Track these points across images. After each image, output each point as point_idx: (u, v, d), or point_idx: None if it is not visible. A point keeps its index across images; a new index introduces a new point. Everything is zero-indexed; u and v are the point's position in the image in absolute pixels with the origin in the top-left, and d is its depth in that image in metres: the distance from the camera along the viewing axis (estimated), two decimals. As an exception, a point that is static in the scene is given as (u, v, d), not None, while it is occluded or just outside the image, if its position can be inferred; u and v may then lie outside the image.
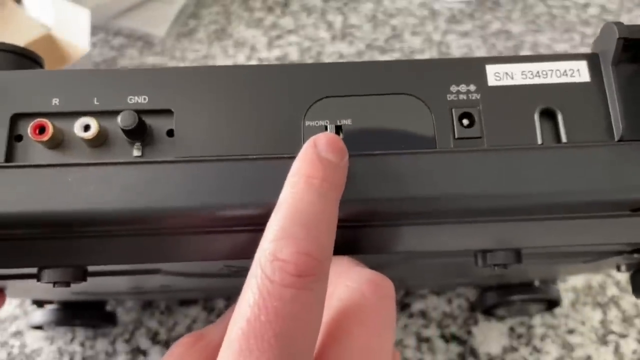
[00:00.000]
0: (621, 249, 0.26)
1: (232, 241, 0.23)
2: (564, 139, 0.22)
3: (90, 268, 0.23)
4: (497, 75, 0.23)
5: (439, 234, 0.23)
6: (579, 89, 0.23)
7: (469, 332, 0.40)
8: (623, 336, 0.39)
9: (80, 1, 0.50)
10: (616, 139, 0.22)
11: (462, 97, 0.23)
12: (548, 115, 0.23)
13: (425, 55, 0.53)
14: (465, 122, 0.22)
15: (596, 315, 0.40)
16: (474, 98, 0.23)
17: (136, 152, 0.22)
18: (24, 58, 0.25)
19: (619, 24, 0.21)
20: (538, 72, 0.23)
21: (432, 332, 0.40)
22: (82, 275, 0.23)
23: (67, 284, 0.23)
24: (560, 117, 0.22)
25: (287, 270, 0.18)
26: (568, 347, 0.39)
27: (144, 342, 0.40)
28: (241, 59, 0.53)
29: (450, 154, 0.22)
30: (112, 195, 0.21)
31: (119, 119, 0.21)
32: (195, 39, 0.55)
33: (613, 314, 0.40)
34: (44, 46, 0.50)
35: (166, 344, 0.39)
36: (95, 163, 0.21)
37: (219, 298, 0.41)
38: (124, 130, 0.21)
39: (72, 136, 0.22)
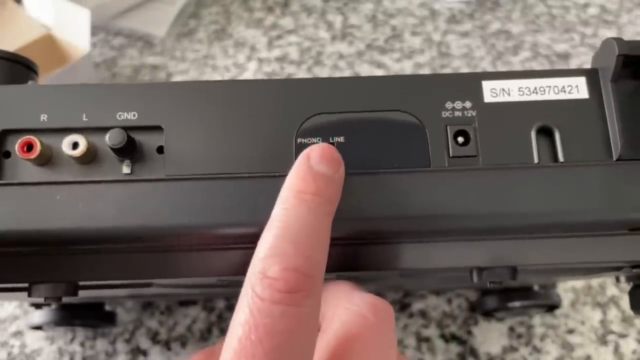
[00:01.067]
0: (620, 266, 0.25)
1: (224, 259, 0.23)
2: (561, 157, 0.22)
3: (82, 282, 0.23)
4: (493, 91, 0.23)
5: (434, 252, 0.23)
6: (577, 106, 0.22)
7: (469, 332, 0.40)
8: (623, 336, 0.39)
9: (80, 1, 0.50)
10: (614, 158, 0.21)
11: (457, 114, 0.22)
12: (545, 132, 0.22)
13: (425, 56, 0.53)
14: (461, 139, 0.22)
15: (596, 315, 0.40)
16: (469, 115, 0.22)
17: (126, 169, 0.22)
18: (16, 64, 0.25)
19: (619, 40, 0.21)
20: (535, 88, 0.23)
21: (432, 332, 0.40)
22: (74, 290, 0.23)
23: (59, 299, 0.23)
24: (557, 135, 0.22)
25: (276, 287, 0.17)
26: (568, 347, 0.39)
27: (144, 342, 0.40)
28: (241, 59, 0.53)
29: (444, 173, 0.21)
30: (100, 213, 0.21)
31: (107, 137, 0.21)
32: (196, 39, 0.55)
33: (613, 313, 0.40)
34: (44, 46, 0.50)
35: (166, 344, 0.39)
36: (84, 181, 0.21)
37: (219, 298, 0.41)
38: (112, 149, 0.21)
39: (60, 153, 0.22)
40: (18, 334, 0.40)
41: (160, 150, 0.22)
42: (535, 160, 0.22)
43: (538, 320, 0.40)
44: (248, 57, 0.53)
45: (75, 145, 0.21)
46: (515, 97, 0.22)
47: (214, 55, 0.53)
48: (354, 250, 0.23)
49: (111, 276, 0.23)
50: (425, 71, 0.52)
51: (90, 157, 0.22)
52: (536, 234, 0.23)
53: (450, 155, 0.22)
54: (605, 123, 0.22)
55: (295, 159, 0.21)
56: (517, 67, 0.52)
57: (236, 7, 0.58)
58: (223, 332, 0.40)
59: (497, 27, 0.55)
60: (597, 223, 0.21)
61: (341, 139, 0.22)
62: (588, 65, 0.48)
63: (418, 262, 0.23)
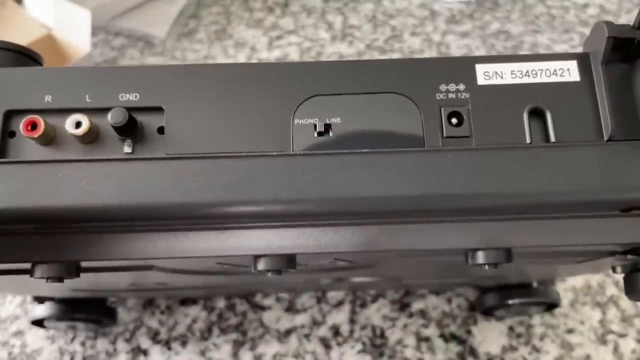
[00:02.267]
0: (613, 250, 0.26)
1: (223, 238, 0.23)
2: (552, 138, 0.22)
3: (84, 264, 0.24)
4: (486, 74, 0.23)
5: (429, 233, 0.23)
6: (569, 89, 0.23)
7: (469, 332, 0.40)
8: (622, 336, 0.39)
9: (80, 2, 0.50)
10: (605, 138, 0.22)
11: (451, 96, 0.23)
12: (537, 114, 0.23)
13: (425, 56, 0.53)
14: (454, 121, 0.23)
15: (595, 315, 0.40)
16: (463, 97, 0.23)
17: (127, 149, 0.22)
18: (24, 56, 0.26)
19: (609, 24, 0.21)
20: (528, 71, 0.23)
21: (431, 331, 0.40)
22: (76, 270, 0.23)
23: (61, 280, 0.23)
24: (549, 117, 0.22)
25: None
26: (567, 347, 0.39)
27: (144, 342, 0.40)
28: (241, 59, 0.53)
29: (438, 152, 0.22)
30: (102, 191, 0.21)
31: (109, 116, 0.21)
32: (196, 39, 0.55)
33: (612, 313, 0.40)
34: (44, 46, 0.50)
35: (167, 344, 0.40)
36: (86, 160, 0.22)
37: (219, 297, 0.41)
38: (114, 127, 0.22)
39: (64, 133, 0.22)
40: (19, 333, 0.40)
41: (160, 130, 0.23)
42: (528, 141, 0.22)
43: (537, 319, 0.40)
44: (248, 57, 0.53)
45: (78, 125, 0.22)
46: (508, 79, 0.23)
47: (214, 56, 0.53)
48: (350, 231, 0.23)
49: (113, 255, 0.23)
50: (425, 71, 0.52)
51: (92, 137, 0.22)
52: (529, 215, 0.23)
53: (444, 135, 0.22)
54: (596, 105, 0.22)
55: (293, 139, 0.22)
56: (517, 68, 0.52)
57: (236, 8, 0.58)
58: (223, 331, 0.40)
59: (497, 28, 0.55)
60: (589, 203, 0.22)
61: (337, 120, 0.23)
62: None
63: (413, 243, 0.24)
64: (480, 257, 0.24)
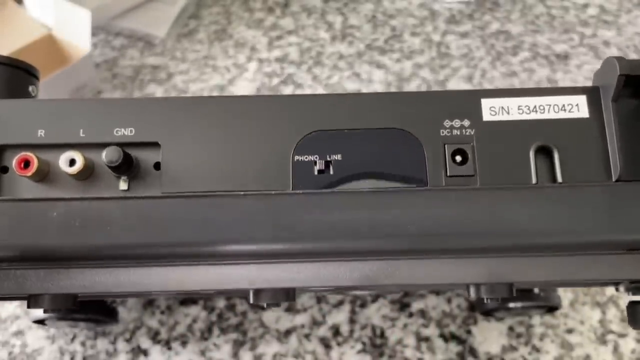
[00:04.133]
0: (618, 281, 0.25)
1: (221, 272, 0.23)
2: (559, 178, 0.22)
3: (81, 294, 0.23)
4: (492, 109, 0.22)
5: (430, 268, 0.23)
6: (577, 125, 0.22)
7: (469, 332, 0.40)
8: (622, 336, 0.39)
9: (81, 2, 0.50)
10: (614, 178, 0.21)
11: (455, 132, 0.22)
12: (544, 152, 0.22)
13: (425, 56, 0.53)
14: (458, 158, 0.22)
15: (595, 315, 0.40)
16: (467, 134, 0.22)
17: (123, 186, 0.22)
18: (17, 69, 0.25)
19: (620, 60, 0.21)
20: (535, 106, 0.22)
21: (431, 331, 0.40)
22: (73, 301, 0.23)
23: (58, 310, 0.23)
24: (556, 156, 0.22)
25: None
26: (567, 347, 0.39)
27: (144, 342, 0.40)
28: (241, 59, 0.53)
29: (441, 192, 0.21)
30: (97, 231, 0.21)
31: (103, 155, 0.21)
32: (196, 40, 0.55)
33: (612, 313, 0.40)
34: (44, 47, 0.51)
35: (167, 344, 0.40)
36: (81, 198, 0.21)
37: (219, 297, 0.41)
38: (109, 166, 0.21)
39: (58, 168, 0.22)
40: (19, 333, 0.40)
41: (157, 166, 0.22)
42: (534, 181, 0.22)
43: (537, 319, 0.40)
44: (248, 57, 0.53)
45: (72, 162, 0.21)
46: (514, 115, 0.22)
47: (214, 56, 0.54)
48: (351, 266, 0.23)
49: (110, 289, 0.23)
50: (425, 71, 0.52)
51: (87, 174, 0.22)
52: (534, 253, 0.22)
53: (448, 174, 0.22)
54: (605, 143, 0.22)
55: (293, 177, 0.21)
56: (517, 68, 0.52)
57: (236, 8, 0.58)
58: (223, 331, 0.40)
59: (497, 28, 0.55)
60: (595, 244, 0.21)
61: (338, 157, 0.22)
62: (587, 66, 0.48)
63: (415, 278, 0.23)
64: (482, 291, 0.23)
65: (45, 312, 0.23)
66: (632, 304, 0.26)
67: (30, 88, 0.26)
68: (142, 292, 0.23)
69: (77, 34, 0.49)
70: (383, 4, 0.58)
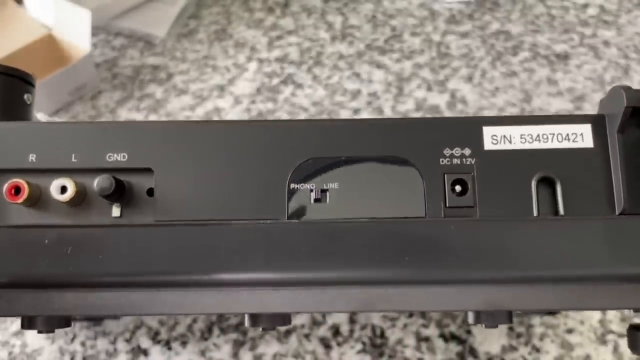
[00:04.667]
0: (621, 308, 0.25)
1: (216, 297, 0.22)
2: (561, 210, 0.21)
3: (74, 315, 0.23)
4: (494, 138, 0.22)
5: (428, 296, 0.22)
6: (581, 156, 0.21)
7: (469, 332, 0.40)
8: (622, 336, 0.39)
9: (81, 2, 0.50)
10: (617, 212, 0.21)
11: (455, 161, 0.22)
12: (546, 183, 0.21)
13: (425, 56, 0.53)
14: (458, 188, 0.21)
15: (595, 315, 0.40)
16: (468, 163, 0.22)
17: (115, 212, 0.22)
18: (11, 77, 0.25)
19: (627, 90, 0.20)
20: (539, 135, 0.22)
21: (431, 331, 0.40)
22: (66, 322, 0.23)
23: (52, 331, 0.23)
24: (559, 187, 0.21)
25: None
26: (567, 347, 0.39)
27: (144, 342, 0.40)
28: (241, 59, 0.53)
29: (440, 224, 0.21)
30: (89, 259, 0.20)
31: (95, 183, 0.21)
32: (196, 40, 0.55)
33: (612, 313, 0.40)
34: (44, 47, 0.51)
35: (167, 344, 0.40)
36: (72, 225, 0.21)
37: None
38: (100, 195, 0.21)
39: (49, 194, 0.21)
40: (19, 333, 0.40)
41: (150, 192, 0.22)
42: (535, 213, 0.21)
43: (537, 319, 0.40)
44: (248, 57, 0.53)
45: (63, 190, 0.21)
46: (517, 144, 0.22)
47: (214, 56, 0.54)
48: (348, 294, 0.23)
49: (103, 312, 0.23)
50: (425, 72, 0.52)
51: (79, 200, 0.22)
52: (533, 285, 0.22)
53: (447, 205, 0.21)
54: (610, 174, 0.21)
55: (288, 205, 0.21)
56: (517, 68, 0.52)
57: (236, 8, 0.58)
58: (223, 331, 0.40)
59: (497, 28, 0.55)
60: (596, 278, 0.21)
61: (335, 185, 0.22)
62: (587, 66, 0.48)
63: (412, 305, 0.23)
64: (481, 318, 0.23)
65: (39, 332, 0.23)
66: (632, 329, 0.26)
67: (26, 96, 0.25)
68: (137, 314, 0.23)
69: (77, 34, 0.49)
70: (383, 4, 0.58)
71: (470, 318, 0.23)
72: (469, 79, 0.51)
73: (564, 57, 0.53)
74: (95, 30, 0.54)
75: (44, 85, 0.45)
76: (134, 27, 0.55)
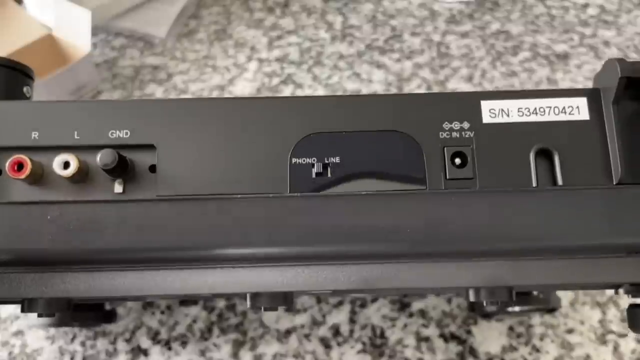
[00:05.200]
0: (619, 284, 0.25)
1: (218, 276, 0.22)
2: (560, 181, 0.21)
3: (76, 298, 0.23)
4: (492, 112, 0.22)
5: (430, 271, 0.23)
6: (578, 128, 0.22)
7: (469, 332, 0.40)
8: (622, 336, 0.39)
9: (81, 2, 0.50)
10: (615, 181, 0.21)
11: (455, 135, 0.22)
12: (544, 155, 0.22)
13: (425, 56, 0.53)
14: (458, 161, 0.22)
15: (595, 315, 0.40)
16: (467, 136, 0.22)
17: (118, 188, 0.22)
18: (11, 70, 0.25)
19: (621, 62, 0.21)
20: (535, 109, 0.22)
21: (431, 331, 0.40)
22: (67, 305, 0.23)
23: (52, 315, 0.23)
24: (556, 158, 0.22)
25: None
26: (567, 347, 0.39)
27: (144, 342, 0.40)
28: (241, 59, 0.53)
29: (440, 195, 0.21)
30: (91, 234, 0.20)
31: (98, 157, 0.21)
32: (196, 40, 0.55)
33: (612, 313, 0.40)
34: (44, 47, 0.51)
35: (167, 344, 0.40)
36: (75, 201, 0.21)
37: (220, 299, 0.41)
38: (103, 169, 0.21)
39: (52, 171, 0.21)
40: (19, 333, 0.40)
41: (152, 169, 0.22)
42: (534, 184, 0.21)
43: (537, 319, 0.40)
44: (248, 57, 0.53)
45: (66, 165, 0.21)
46: (514, 117, 0.22)
47: (214, 56, 0.54)
48: (349, 270, 0.23)
49: (105, 293, 0.22)
50: (425, 71, 0.52)
51: (82, 176, 0.22)
52: (534, 257, 0.22)
53: (447, 177, 0.22)
54: (606, 145, 0.21)
55: (290, 179, 0.21)
56: (517, 68, 0.52)
57: (236, 8, 0.58)
58: (223, 331, 0.40)
59: (497, 28, 0.55)
60: (595, 247, 0.21)
61: (337, 159, 0.22)
62: (587, 66, 0.48)
63: (414, 281, 0.23)
64: (482, 295, 0.23)
65: (39, 316, 0.23)
66: (632, 308, 0.26)
67: (25, 89, 0.25)
68: (138, 295, 0.23)
69: (77, 34, 0.49)
70: (383, 4, 0.58)
71: (472, 295, 0.23)
72: (469, 79, 0.51)
73: (564, 57, 0.53)
74: (95, 30, 0.54)
75: (44, 85, 0.45)
76: (134, 27, 0.55)
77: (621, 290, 0.28)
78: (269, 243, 0.21)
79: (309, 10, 0.57)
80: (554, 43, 0.54)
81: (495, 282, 0.23)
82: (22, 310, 0.23)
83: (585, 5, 0.57)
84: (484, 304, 0.23)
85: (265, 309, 0.23)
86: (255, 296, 0.23)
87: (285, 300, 0.23)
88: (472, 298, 0.23)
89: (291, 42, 0.54)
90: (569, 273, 0.23)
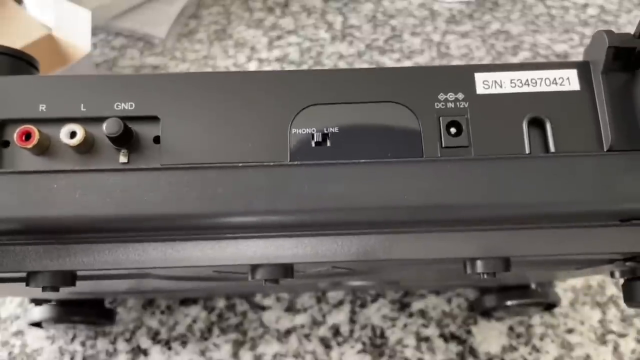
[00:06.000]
0: (613, 258, 0.25)
1: (219, 248, 0.23)
2: (552, 148, 0.22)
3: (80, 272, 0.23)
4: (485, 83, 0.23)
5: (427, 242, 0.23)
6: (569, 98, 0.23)
7: (469, 332, 0.40)
8: (622, 336, 0.39)
9: (81, 2, 0.50)
10: (605, 148, 0.22)
11: (450, 105, 0.22)
12: (537, 124, 0.22)
13: (425, 56, 0.53)
14: (453, 130, 0.22)
15: (595, 315, 0.40)
16: (462, 106, 0.22)
17: (122, 159, 0.22)
18: (19, 60, 0.25)
19: (609, 33, 0.21)
20: (527, 80, 0.23)
21: (431, 331, 0.40)
22: (71, 279, 0.23)
23: (56, 289, 0.23)
24: (549, 126, 0.22)
25: None
26: (567, 347, 0.39)
27: (144, 342, 0.40)
28: (241, 59, 0.53)
29: (436, 162, 0.22)
30: (97, 202, 0.21)
31: (104, 126, 0.21)
32: (196, 40, 0.55)
33: (612, 313, 0.40)
34: (44, 47, 0.51)
35: (167, 344, 0.40)
36: (81, 170, 0.21)
37: (219, 297, 0.41)
38: (109, 138, 0.21)
39: (59, 142, 0.22)
40: (19, 333, 0.40)
41: (156, 140, 0.22)
42: (527, 151, 0.22)
43: (537, 319, 0.40)
44: (248, 57, 0.53)
45: (73, 135, 0.22)
46: (507, 88, 0.23)
47: (214, 56, 0.54)
48: (349, 241, 0.23)
49: (108, 265, 0.23)
50: (425, 71, 0.52)
51: (87, 147, 0.22)
52: (528, 225, 0.23)
53: (443, 145, 0.22)
54: (596, 114, 0.22)
55: (290, 149, 0.22)
56: (517, 68, 0.52)
57: (236, 8, 0.58)
58: (223, 331, 0.40)
59: (497, 28, 0.55)
60: (588, 213, 0.21)
61: (335, 130, 0.22)
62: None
63: (412, 252, 0.23)
64: (479, 266, 0.23)
65: (44, 290, 0.23)
66: (627, 281, 0.27)
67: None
68: (140, 268, 0.23)
69: (77, 34, 0.49)
70: (383, 4, 0.58)
71: (468, 268, 0.24)
72: (469, 79, 0.51)
73: (564, 57, 0.53)
74: (96, 30, 0.54)
75: (44, 85, 0.45)
76: (133, 27, 0.55)
77: (617, 273, 0.28)
78: (270, 211, 0.21)
79: (309, 10, 0.57)
80: (554, 43, 0.54)
81: (492, 252, 0.23)
82: (27, 284, 0.23)
83: (585, 5, 0.57)
84: (482, 276, 0.23)
85: (266, 281, 0.23)
86: (255, 268, 0.23)
87: (286, 272, 0.24)
88: (469, 270, 0.24)
89: (291, 42, 0.54)
90: (564, 243, 0.23)
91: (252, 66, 0.53)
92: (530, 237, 0.23)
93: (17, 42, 0.49)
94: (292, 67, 0.52)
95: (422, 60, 0.53)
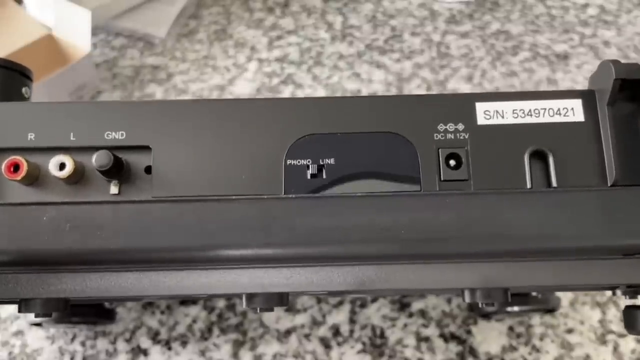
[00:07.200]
0: (615, 286, 0.25)
1: (213, 277, 0.23)
2: (554, 182, 0.21)
3: (72, 298, 0.23)
4: (487, 113, 0.22)
5: (425, 273, 0.23)
6: (573, 130, 0.22)
7: (469, 332, 0.40)
8: (622, 336, 0.39)
9: (81, 2, 0.50)
10: (609, 183, 0.21)
11: (449, 136, 0.22)
12: (539, 156, 0.22)
13: (425, 56, 0.53)
14: (452, 163, 0.22)
15: (595, 315, 0.40)
16: (461, 138, 0.22)
17: (113, 190, 0.22)
18: (9, 70, 0.25)
19: (616, 64, 0.21)
20: (530, 110, 0.22)
21: (431, 331, 0.40)
22: (64, 305, 0.23)
23: (49, 315, 0.23)
24: (551, 160, 0.21)
25: None
26: (567, 347, 0.39)
27: (144, 342, 0.40)
28: (241, 59, 0.53)
29: (435, 197, 0.21)
30: (87, 235, 0.20)
31: (93, 159, 0.21)
32: (196, 40, 0.55)
33: (612, 313, 0.40)
34: (44, 47, 0.50)
35: (167, 344, 0.40)
36: (71, 202, 0.21)
37: (218, 298, 0.41)
38: (99, 171, 0.21)
39: (48, 172, 0.21)
40: (19, 333, 0.40)
41: (148, 170, 0.22)
42: (528, 185, 0.21)
43: (537, 319, 0.40)
44: (248, 57, 0.53)
45: (62, 166, 0.21)
46: (509, 119, 0.22)
47: (214, 56, 0.54)
48: (345, 271, 0.23)
49: (101, 293, 0.23)
50: (425, 71, 0.52)
51: (77, 177, 0.22)
52: (529, 258, 0.22)
53: (442, 178, 0.22)
54: (601, 147, 0.22)
55: (285, 181, 0.21)
56: (517, 68, 0.52)
57: (236, 8, 0.58)
58: (223, 331, 0.40)
59: (497, 28, 0.55)
60: (590, 249, 0.21)
61: (331, 161, 0.22)
62: (587, 66, 0.48)
63: (409, 283, 0.23)
64: (478, 296, 0.23)
65: (37, 316, 0.23)
66: (628, 309, 0.26)
67: (24, 90, 0.25)
68: (134, 296, 0.23)
69: (77, 34, 0.49)
70: (383, 4, 0.58)
71: (467, 297, 0.23)
72: (469, 79, 0.51)
73: (564, 57, 0.53)
74: (95, 30, 0.54)
75: (44, 85, 0.45)
76: (134, 27, 0.55)
77: (619, 292, 0.28)
78: (263, 244, 0.21)
79: (309, 10, 0.57)
80: (554, 43, 0.54)
81: (491, 283, 0.23)
82: (19, 311, 0.23)
83: (585, 5, 0.57)
84: (480, 305, 0.23)
85: (261, 310, 0.23)
86: (251, 297, 0.23)
87: (281, 300, 0.23)
88: (467, 299, 0.23)
89: (291, 42, 0.54)
90: (564, 275, 0.23)
91: (252, 66, 0.53)
92: (530, 269, 0.22)
93: (17, 42, 0.49)
94: (293, 67, 0.52)
95: (422, 60, 0.53)
